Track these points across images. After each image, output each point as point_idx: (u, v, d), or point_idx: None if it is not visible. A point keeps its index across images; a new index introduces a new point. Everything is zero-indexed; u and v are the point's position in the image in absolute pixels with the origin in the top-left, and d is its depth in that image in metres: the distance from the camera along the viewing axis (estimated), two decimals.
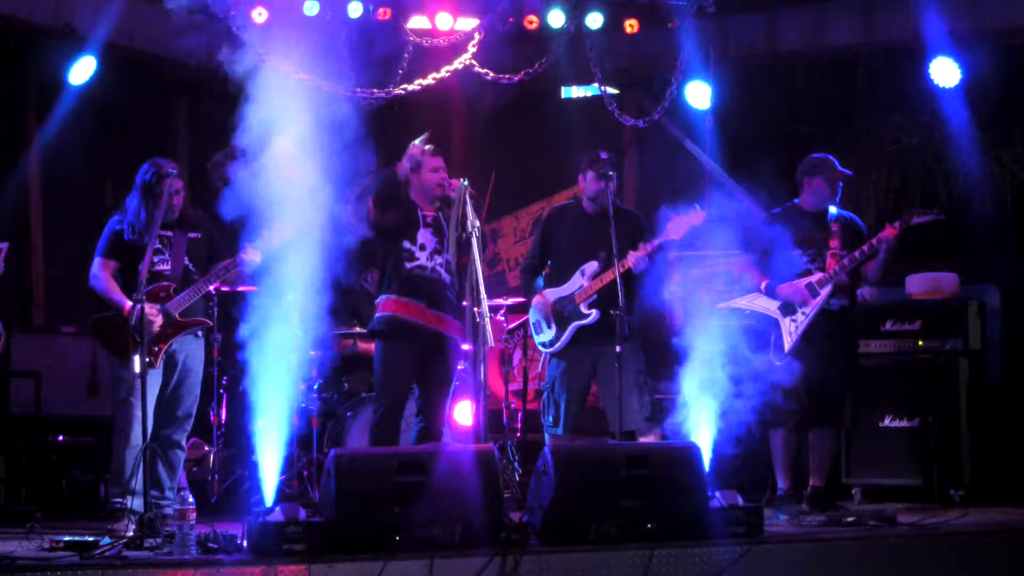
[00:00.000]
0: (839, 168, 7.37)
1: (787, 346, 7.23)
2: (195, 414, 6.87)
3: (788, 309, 7.28)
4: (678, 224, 7.21)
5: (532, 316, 7.57)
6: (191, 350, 6.77)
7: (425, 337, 7.04)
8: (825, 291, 7.20)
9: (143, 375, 6.17)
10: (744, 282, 7.51)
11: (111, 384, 6.98)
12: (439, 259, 7.14)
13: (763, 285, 7.33)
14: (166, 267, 6.69)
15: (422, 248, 7.12)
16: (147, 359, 6.33)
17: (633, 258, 7.11)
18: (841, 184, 7.37)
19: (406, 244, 7.11)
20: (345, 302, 8.64)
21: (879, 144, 9.49)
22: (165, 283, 6.63)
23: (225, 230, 6.90)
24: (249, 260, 6.73)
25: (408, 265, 7.07)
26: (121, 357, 6.56)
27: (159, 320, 6.55)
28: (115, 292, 6.65)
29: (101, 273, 6.71)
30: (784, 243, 7.35)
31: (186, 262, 6.75)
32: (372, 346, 7.46)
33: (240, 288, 7.48)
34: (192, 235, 6.83)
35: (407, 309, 7.06)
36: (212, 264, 6.81)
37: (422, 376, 7.15)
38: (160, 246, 6.65)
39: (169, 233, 6.73)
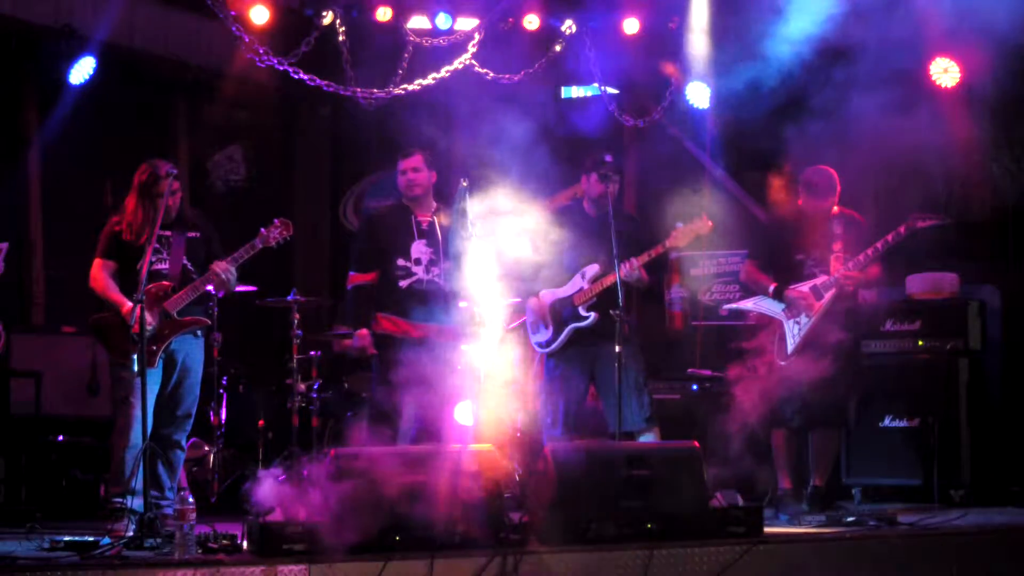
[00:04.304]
0: (831, 190, 7.35)
1: (790, 347, 7.23)
2: (195, 414, 6.86)
3: (793, 311, 7.28)
4: (684, 233, 7.22)
5: (528, 316, 7.58)
6: (190, 350, 6.77)
7: (421, 348, 7.08)
8: (829, 294, 7.21)
9: (142, 375, 6.17)
10: (752, 287, 7.51)
11: (111, 384, 6.97)
12: (436, 270, 7.16)
13: (772, 289, 7.33)
14: (164, 267, 6.69)
15: (417, 262, 7.14)
16: (144, 359, 6.32)
17: (624, 269, 7.07)
18: (836, 192, 7.38)
19: (400, 262, 7.14)
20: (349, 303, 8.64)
21: (879, 144, 9.48)
22: (163, 283, 6.62)
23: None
24: (218, 271, 6.64)
25: (403, 283, 7.12)
26: (120, 357, 6.56)
27: (157, 319, 6.54)
28: (114, 292, 6.65)
29: (100, 274, 6.71)
30: (787, 248, 7.37)
31: (184, 262, 6.74)
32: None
33: (239, 288, 7.47)
34: (191, 235, 6.82)
35: (402, 328, 7.10)
36: (210, 264, 6.79)
37: (421, 380, 7.16)
38: (158, 246, 6.64)
39: (167, 233, 6.72)
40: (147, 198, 6.65)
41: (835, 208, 7.42)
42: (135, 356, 6.29)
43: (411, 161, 7.30)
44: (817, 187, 7.37)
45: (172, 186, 6.59)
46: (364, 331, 7.16)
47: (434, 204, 7.33)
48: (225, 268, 6.64)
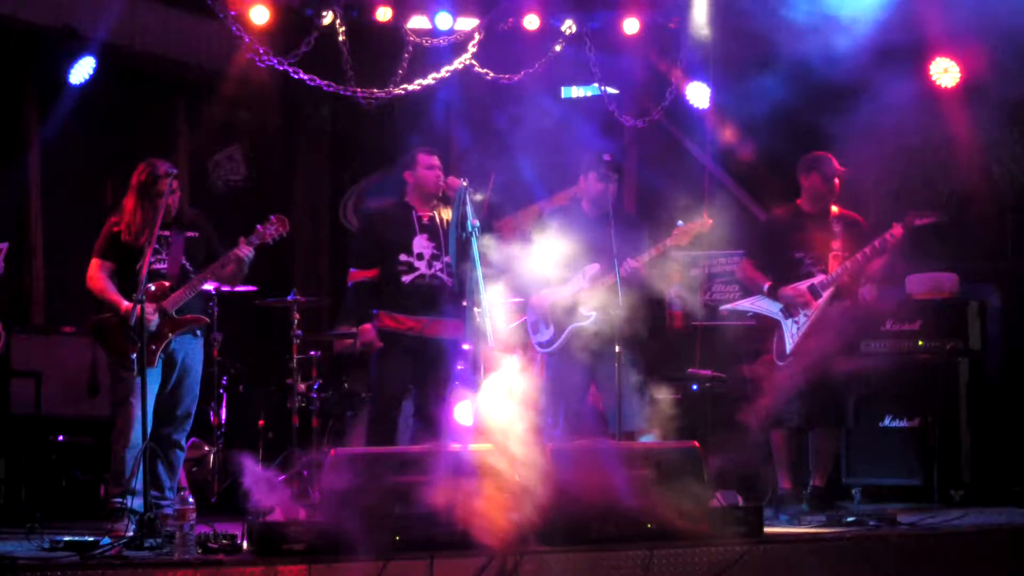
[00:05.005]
0: (835, 164, 7.38)
1: (788, 347, 7.23)
2: (195, 414, 6.85)
3: (790, 310, 7.28)
4: (684, 232, 7.22)
5: (529, 316, 7.58)
6: (190, 349, 6.76)
7: (422, 345, 7.08)
8: (827, 293, 7.20)
9: (143, 374, 6.16)
10: (748, 286, 7.52)
11: (111, 384, 6.97)
12: (438, 264, 7.15)
13: (766, 287, 7.34)
14: (163, 266, 6.67)
15: (420, 257, 7.13)
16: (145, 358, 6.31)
17: (625, 269, 7.09)
18: (839, 180, 7.38)
19: (402, 257, 7.13)
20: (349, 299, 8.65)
21: (879, 144, 9.49)
22: (162, 282, 6.60)
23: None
24: (242, 255, 6.67)
25: (406, 279, 7.10)
26: (119, 358, 6.55)
27: (155, 318, 6.53)
28: (111, 292, 6.64)
29: (97, 274, 6.70)
30: (785, 246, 7.37)
31: (183, 261, 6.73)
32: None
33: (239, 288, 7.48)
34: (190, 234, 6.81)
35: (404, 324, 7.09)
36: (210, 263, 6.78)
37: (420, 379, 7.18)
38: (157, 246, 6.62)
39: (166, 233, 6.71)
40: (146, 198, 6.64)
41: (835, 209, 7.43)
42: (135, 356, 6.29)
43: (435, 158, 7.29)
44: (821, 165, 7.35)
45: (171, 186, 6.58)
46: (367, 326, 7.14)
47: (434, 200, 7.33)
48: (248, 252, 6.63)
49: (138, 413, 6.27)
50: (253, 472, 5.80)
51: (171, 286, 6.62)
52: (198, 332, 6.80)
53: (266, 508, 5.64)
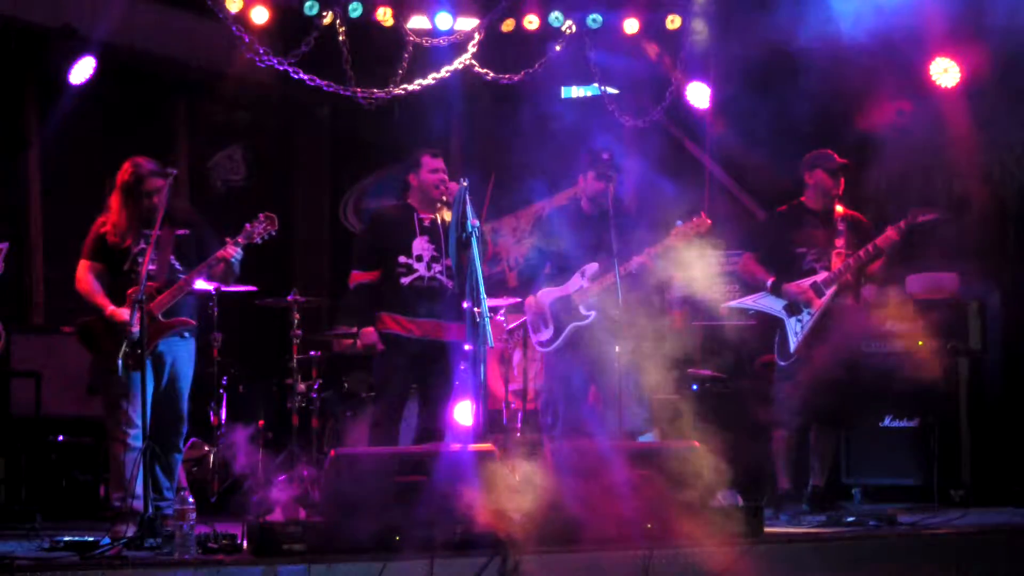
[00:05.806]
0: (836, 159, 7.38)
1: (792, 346, 7.23)
2: (187, 416, 6.76)
3: (793, 309, 7.28)
4: (683, 231, 7.22)
5: (528, 316, 7.58)
6: (179, 352, 6.64)
7: (423, 347, 7.07)
8: (830, 291, 7.20)
9: (143, 374, 6.14)
10: (749, 280, 7.52)
11: (102, 387, 6.91)
12: (437, 267, 7.14)
13: (769, 283, 7.33)
14: (151, 267, 6.54)
15: (419, 259, 7.13)
16: (130, 362, 6.27)
17: (636, 263, 7.11)
18: (842, 177, 7.38)
19: (401, 259, 7.12)
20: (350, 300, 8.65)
21: (879, 144, 9.50)
22: (148, 283, 6.52)
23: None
24: (228, 255, 6.55)
25: (405, 280, 7.09)
26: (105, 360, 6.47)
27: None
28: (98, 295, 6.56)
29: (86, 276, 6.61)
30: (789, 242, 7.36)
31: (172, 261, 6.60)
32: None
33: (239, 288, 7.47)
34: (180, 233, 6.66)
35: (404, 326, 7.09)
36: (201, 263, 6.69)
37: (422, 379, 7.18)
38: (145, 246, 6.49)
39: (157, 232, 6.65)
40: (131, 198, 6.56)
41: (840, 208, 7.42)
42: (120, 360, 6.26)
43: (440, 161, 7.27)
44: (824, 161, 7.35)
45: (155, 184, 6.48)
46: (369, 328, 7.14)
47: (437, 204, 7.32)
48: (235, 252, 6.55)
49: (134, 416, 6.25)
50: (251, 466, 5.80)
51: (158, 287, 6.49)
52: (186, 334, 6.67)
53: (266, 508, 5.65)
